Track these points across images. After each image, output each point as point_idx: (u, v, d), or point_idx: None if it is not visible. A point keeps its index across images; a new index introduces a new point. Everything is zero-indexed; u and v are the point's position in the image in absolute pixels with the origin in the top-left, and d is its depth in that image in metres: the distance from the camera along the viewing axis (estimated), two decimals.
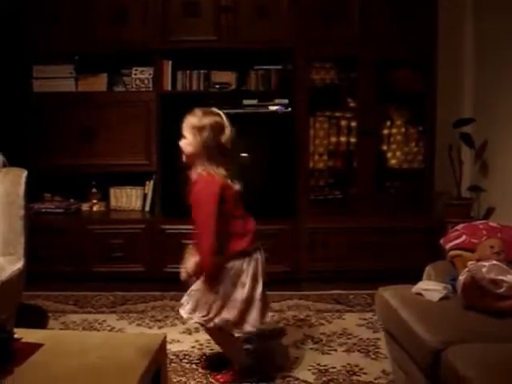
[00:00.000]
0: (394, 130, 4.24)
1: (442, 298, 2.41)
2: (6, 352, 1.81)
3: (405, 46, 4.14)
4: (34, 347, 1.88)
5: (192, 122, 2.68)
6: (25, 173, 3.01)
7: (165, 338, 1.93)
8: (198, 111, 2.72)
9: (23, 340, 1.90)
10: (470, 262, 2.36)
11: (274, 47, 4.15)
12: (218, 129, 2.67)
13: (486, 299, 2.23)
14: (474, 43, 4.31)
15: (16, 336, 1.90)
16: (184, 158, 2.77)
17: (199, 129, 2.66)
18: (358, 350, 3.11)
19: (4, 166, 3.09)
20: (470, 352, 1.92)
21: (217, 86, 4.29)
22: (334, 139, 4.23)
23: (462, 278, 2.32)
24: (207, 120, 2.67)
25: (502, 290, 2.23)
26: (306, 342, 3.21)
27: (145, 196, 4.39)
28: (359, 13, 4.12)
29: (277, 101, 4.19)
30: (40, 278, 3.82)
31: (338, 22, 4.13)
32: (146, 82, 4.28)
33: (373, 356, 3.04)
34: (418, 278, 2.86)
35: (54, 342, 1.88)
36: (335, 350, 3.12)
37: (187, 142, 2.70)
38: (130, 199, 4.40)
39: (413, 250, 4.01)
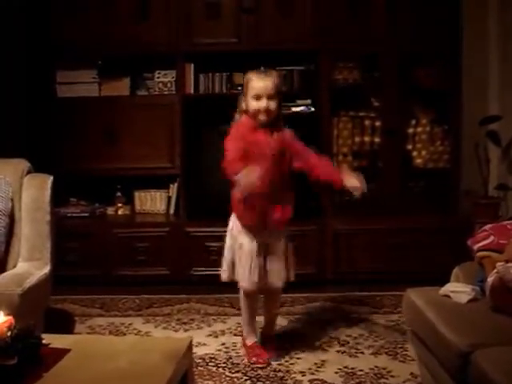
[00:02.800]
0: (419, 129, 4.20)
1: (470, 300, 2.37)
2: (34, 357, 1.83)
3: (429, 44, 4.10)
4: (62, 352, 1.89)
5: (276, 82, 2.87)
6: (50, 178, 3.03)
7: (191, 341, 1.93)
8: (273, 73, 2.92)
9: (51, 345, 1.91)
10: (499, 264, 2.31)
11: (297, 48, 4.14)
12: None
13: None
14: (499, 39, 4.23)
15: (44, 341, 1.91)
16: (266, 119, 2.85)
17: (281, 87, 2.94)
18: (386, 353, 3.08)
19: (28, 172, 3.12)
20: (499, 355, 1.88)
21: (239, 88, 4.28)
22: (358, 139, 4.21)
23: (490, 279, 2.28)
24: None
25: None
26: (332, 345, 3.19)
27: (169, 199, 4.41)
28: (384, 10, 4.09)
29: (300, 101, 4.18)
30: (66, 281, 3.84)
31: (361, 20, 4.12)
32: (168, 85, 4.30)
33: (401, 358, 3.00)
34: (444, 279, 2.82)
35: (82, 347, 1.89)
36: (362, 353, 3.09)
37: (276, 103, 2.86)
38: (154, 202, 4.43)
39: (439, 251, 3.96)
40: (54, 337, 1.94)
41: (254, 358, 2.99)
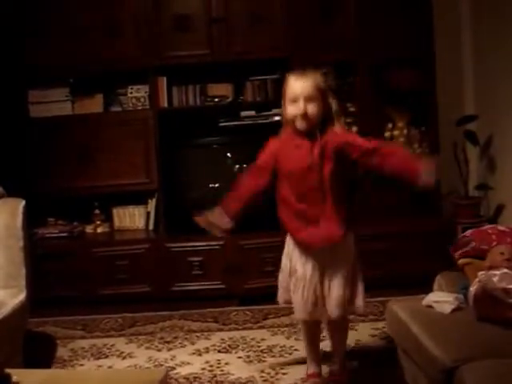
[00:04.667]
0: (395, 132, 4.17)
1: (453, 310, 2.34)
2: None
3: (402, 46, 4.08)
4: None
5: (318, 82, 2.52)
6: (22, 203, 2.97)
7: (166, 373, 1.88)
8: (313, 72, 2.57)
9: (21, 383, 1.84)
10: (481, 273, 2.29)
11: (269, 56, 4.09)
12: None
13: (498, 310, 2.16)
14: (472, 38, 4.22)
15: (14, 378, 1.85)
16: (305, 126, 2.52)
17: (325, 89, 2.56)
18: (373, 362, 3.04)
19: (1, 196, 3.05)
20: (484, 370, 1.84)
21: (216, 100, 4.25)
22: None
23: (472, 289, 2.25)
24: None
25: None
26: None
27: (148, 214, 4.34)
28: (354, 15, 4.06)
29: (275, 110, 4.12)
30: (47, 303, 3.81)
31: (332, 27, 4.08)
32: (142, 100, 4.24)
33: (387, 368, 2.95)
34: (430, 283, 2.80)
35: (52, 383, 1.83)
36: (349, 363, 3.04)
37: (318, 106, 2.50)
38: (133, 219, 4.36)
39: (423, 254, 3.93)
40: (24, 372, 1.87)
41: None
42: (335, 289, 2.56)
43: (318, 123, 2.52)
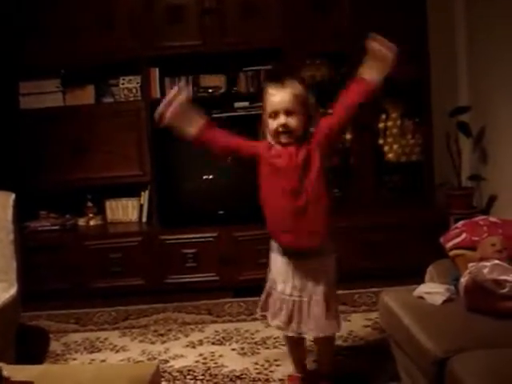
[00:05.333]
0: (389, 123, 4.16)
1: (444, 301, 2.34)
2: None
3: (396, 38, 4.00)
4: None
5: (297, 93, 2.41)
6: (12, 196, 2.95)
7: (158, 367, 1.87)
8: (291, 81, 2.45)
9: (13, 379, 1.83)
10: (471, 264, 2.29)
11: (262, 47, 4.07)
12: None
13: (489, 301, 2.16)
14: (466, 29, 4.20)
15: (5, 374, 1.84)
16: (288, 140, 2.43)
17: (306, 98, 2.45)
18: (366, 354, 3.04)
19: None
20: (475, 360, 1.84)
21: (209, 91, 4.22)
22: None
23: (463, 280, 2.25)
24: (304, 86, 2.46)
25: (505, 290, 2.15)
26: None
27: (141, 207, 4.33)
28: (348, 6, 4.04)
29: None
30: (40, 297, 3.80)
31: (326, 17, 4.06)
32: (134, 90, 4.22)
33: (380, 359, 2.96)
34: (422, 274, 2.80)
35: (44, 378, 1.82)
36: (342, 355, 3.05)
37: (299, 119, 2.41)
38: (126, 211, 4.35)
39: (416, 245, 3.93)
40: (15, 368, 1.87)
41: None
42: (314, 308, 2.51)
43: (301, 136, 2.45)
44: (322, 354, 2.77)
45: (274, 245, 2.63)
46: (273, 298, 2.61)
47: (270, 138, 2.50)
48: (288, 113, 2.40)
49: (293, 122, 2.41)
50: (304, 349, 2.81)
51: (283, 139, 2.43)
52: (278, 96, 2.41)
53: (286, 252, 2.55)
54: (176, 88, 2.55)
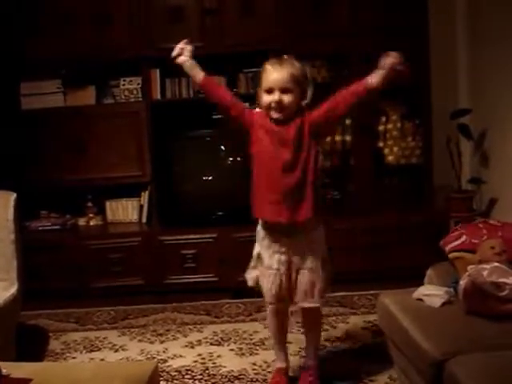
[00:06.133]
0: (389, 126, 4.16)
1: (443, 304, 2.34)
2: None
3: (396, 38, 4.03)
4: (23, 383, 1.83)
5: (295, 72, 2.48)
6: (13, 196, 2.96)
7: (156, 367, 1.87)
8: (291, 61, 2.53)
9: (12, 375, 1.84)
10: (471, 266, 2.29)
11: (262, 48, 4.06)
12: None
13: (488, 303, 2.17)
14: (467, 31, 4.22)
15: (4, 371, 1.85)
16: (279, 116, 2.50)
17: (305, 79, 2.53)
18: (364, 355, 3.05)
19: None
20: (473, 362, 1.85)
21: None
22: (329, 138, 4.14)
23: (462, 282, 2.25)
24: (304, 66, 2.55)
25: (504, 293, 2.16)
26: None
27: (141, 207, 4.33)
28: (348, 8, 4.04)
29: None
30: (40, 296, 3.81)
31: (326, 18, 4.06)
32: (134, 92, 4.22)
33: (379, 361, 2.96)
34: (421, 276, 2.80)
35: (43, 376, 1.83)
36: (340, 356, 3.06)
37: (294, 97, 2.47)
38: (126, 211, 4.35)
39: (415, 247, 3.93)
40: (14, 365, 1.87)
41: None
42: (303, 280, 2.57)
43: (293, 112, 2.50)
44: (307, 329, 2.82)
45: (260, 222, 2.67)
46: (262, 277, 2.66)
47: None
48: (283, 90, 2.46)
49: (286, 99, 2.46)
50: (286, 328, 2.86)
51: (274, 114, 2.49)
52: (275, 73, 2.47)
53: (271, 226, 2.59)
54: (184, 41, 2.70)
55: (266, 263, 2.63)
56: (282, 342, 2.85)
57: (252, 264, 2.74)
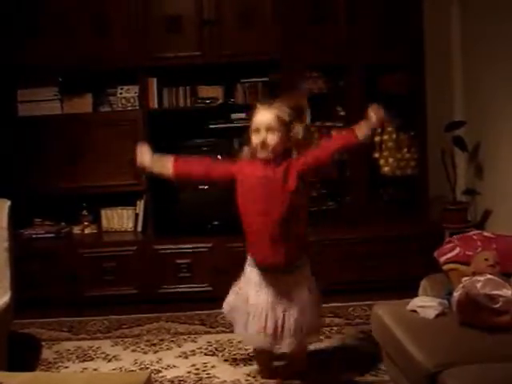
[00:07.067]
0: (385, 137, 4.17)
1: (437, 315, 2.34)
2: None
3: (392, 52, 4.09)
4: None
5: (281, 114, 2.59)
6: (7, 203, 2.95)
7: (149, 377, 1.86)
8: (279, 105, 2.63)
9: None
10: (465, 278, 2.30)
11: (260, 59, 4.09)
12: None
13: (482, 315, 2.17)
14: (462, 43, 4.25)
15: None
16: (265, 155, 2.59)
17: (293, 122, 2.61)
18: (358, 366, 3.03)
19: None
20: (467, 375, 1.85)
21: (206, 101, 4.24)
22: None
23: (456, 294, 2.26)
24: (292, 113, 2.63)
25: (498, 305, 2.16)
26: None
27: (136, 216, 4.33)
28: (345, 20, 4.07)
29: None
30: (34, 304, 3.78)
31: (323, 30, 4.09)
32: (131, 100, 4.23)
33: (373, 372, 2.96)
34: (416, 287, 2.81)
35: None
36: (334, 367, 3.04)
37: (279, 137, 2.57)
38: (121, 220, 4.35)
39: (411, 258, 3.94)
40: (6, 375, 1.86)
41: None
42: (290, 319, 2.61)
43: (280, 154, 2.59)
44: (293, 357, 2.83)
45: (249, 258, 2.75)
46: (242, 310, 2.71)
47: (248, 155, 2.68)
48: (268, 129, 2.56)
49: (270, 138, 2.56)
50: (271, 357, 2.88)
51: (261, 154, 2.58)
52: (263, 114, 2.60)
53: (260, 267, 2.66)
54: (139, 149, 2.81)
55: (252, 302, 2.67)
56: (266, 365, 2.91)
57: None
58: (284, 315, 2.61)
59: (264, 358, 2.88)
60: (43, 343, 3.56)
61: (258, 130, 2.58)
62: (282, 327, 2.61)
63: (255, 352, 2.91)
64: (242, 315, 2.73)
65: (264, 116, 2.58)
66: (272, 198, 2.54)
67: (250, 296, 2.68)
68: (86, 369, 3.18)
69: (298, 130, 2.61)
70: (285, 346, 2.64)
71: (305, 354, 2.93)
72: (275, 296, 2.63)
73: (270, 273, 2.64)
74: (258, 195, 2.56)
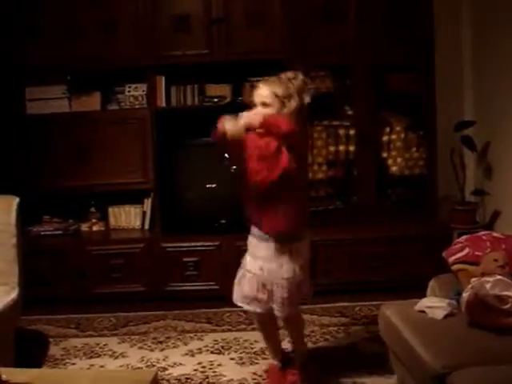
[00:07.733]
0: (393, 137, 4.16)
1: (446, 316, 2.33)
2: None
3: (401, 50, 4.07)
4: None
5: (276, 90, 2.62)
6: (16, 200, 2.96)
7: (156, 375, 1.87)
8: (278, 78, 2.67)
9: (11, 381, 1.83)
10: (474, 279, 2.28)
11: (268, 57, 4.08)
12: (302, 92, 2.66)
13: (491, 316, 2.16)
14: (472, 43, 4.23)
15: (4, 377, 1.84)
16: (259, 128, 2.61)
17: (288, 97, 2.62)
18: (365, 366, 3.03)
19: None
20: (475, 376, 1.84)
21: (214, 100, 4.23)
22: (332, 148, 4.15)
23: (465, 295, 2.24)
24: (293, 87, 2.64)
25: (507, 306, 2.15)
26: (311, 359, 3.13)
27: (144, 214, 4.33)
28: (354, 18, 4.05)
29: None
30: (41, 301, 3.79)
31: (331, 29, 4.07)
32: (139, 98, 4.23)
33: (380, 372, 2.94)
34: (424, 288, 2.79)
35: (42, 382, 1.82)
36: (341, 367, 3.04)
37: (272, 111, 2.60)
38: (129, 218, 4.35)
39: (419, 259, 3.93)
40: (13, 371, 1.86)
41: None
42: (279, 290, 2.68)
43: None
44: (290, 332, 2.95)
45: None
46: (241, 280, 2.79)
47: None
48: (263, 105, 2.63)
49: (265, 112, 2.59)
50: (277, 332, 2.96)
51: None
52: (260, 90, 2.68)
53: (256, 233, 2.75)
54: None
55: (248, 268, 2.77)
56: (271, 343, 2.96)
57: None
58: (272, 288, 2.68)
59: (268, 334, 2.93)
60: (51, 340, 3.58)
61: (255, 105, 2.67)
62: (272, 297, 2.70)
63: (259, 326, 2.94)
64: (241, 276, 2.81)
65: (260, 91, 2.67)
66: (266, 168, 2.60)
67: (247, 262, 2.78)
68: (92, 366, 3.19)
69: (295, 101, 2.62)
70: (276, 312, 2.73)
71: (301, 334, 3.03)
72: (266, 263, 2.69)
73: (264, 242, 2.70)
74: (255, 165, 2.63)
